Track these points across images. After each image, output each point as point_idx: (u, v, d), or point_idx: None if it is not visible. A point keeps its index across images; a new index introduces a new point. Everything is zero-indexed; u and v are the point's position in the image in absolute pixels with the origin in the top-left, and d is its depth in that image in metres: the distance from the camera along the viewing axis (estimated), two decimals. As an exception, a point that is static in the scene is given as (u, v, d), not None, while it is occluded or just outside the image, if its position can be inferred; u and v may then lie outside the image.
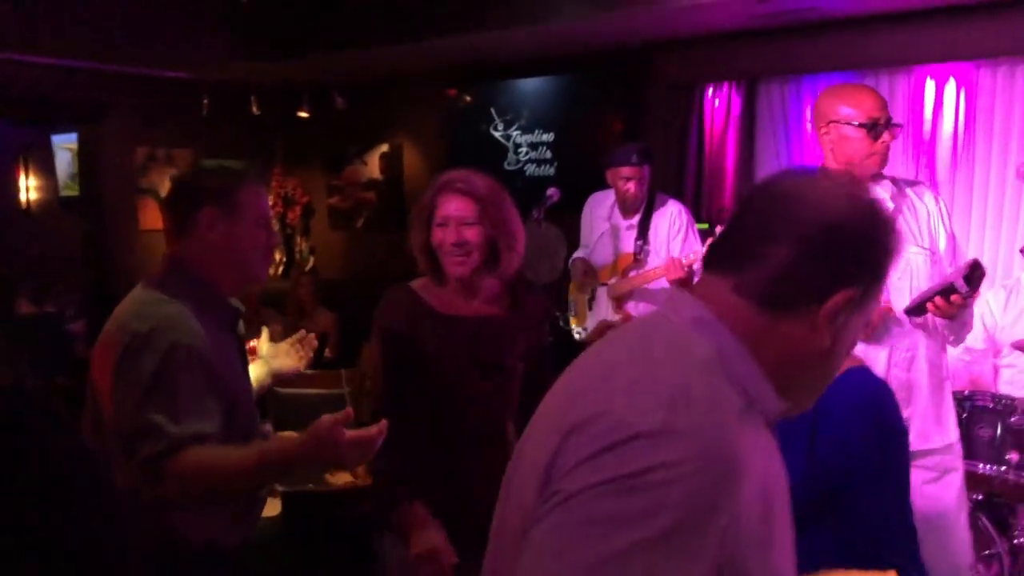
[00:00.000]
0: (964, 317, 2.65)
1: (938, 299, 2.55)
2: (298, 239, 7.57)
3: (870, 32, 4.76)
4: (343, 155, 7.33)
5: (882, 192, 2.72)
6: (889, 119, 2.65)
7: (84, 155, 6.77)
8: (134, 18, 5.40)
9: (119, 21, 5.35)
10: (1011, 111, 4.58)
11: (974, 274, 2.52)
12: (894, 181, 2.77)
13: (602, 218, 4.41)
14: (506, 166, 6.30)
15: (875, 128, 2.62)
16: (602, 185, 4.38)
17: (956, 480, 2.76)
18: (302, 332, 2.47)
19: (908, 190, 2.77)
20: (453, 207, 2.24)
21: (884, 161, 2.67)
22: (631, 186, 4.20)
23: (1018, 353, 3.50)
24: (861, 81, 4.98)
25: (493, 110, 6.33)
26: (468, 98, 6.52)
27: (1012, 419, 3.24)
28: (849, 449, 1.72)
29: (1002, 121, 4.60)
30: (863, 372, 1.85)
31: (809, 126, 5.10)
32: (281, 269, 7.40)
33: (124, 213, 6.59)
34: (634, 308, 4.20)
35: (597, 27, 5.10)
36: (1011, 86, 4.59)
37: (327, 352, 5.91)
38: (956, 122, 4.72)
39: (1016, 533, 3.38)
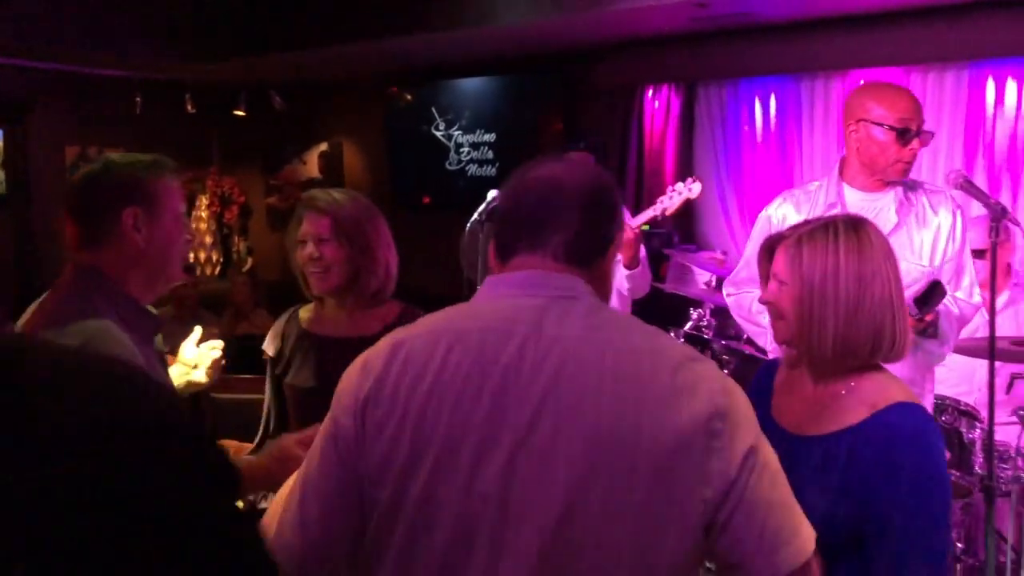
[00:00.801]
0: (942, 333, 2.58)
1: None
2: (235, 239, 7.44)
3: (805, 37, 4.84)
4: (282, 154, 7.22)
5: (886, 202, 2.63)
6: (921, 126, 2.56)
7: (10, 154, 6.55)
8: (64, 14, 5.24)
9: (48, 17, 5.18)
10: (940, 116, 4.70)
11: (930, 296, 2.51)
12: (910, 187, 2.64)
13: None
14: (448, 166, 6.27)
15: (906, 134, 2.53)
16: None
17: None
18: (211, 342, 2.31)
19: (924, 199, 2.65)
20: (310, 225, 2.26)
21: (908, 169, 2.58)
22: None
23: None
24: (798, 84, 5.09)
25: (434, 109, 6.30)
26: (409, 97, 6.47)
27: (943, 418, 3.32)
28: (873, 491, 1.55)
29: (932, 126, 4.71)
30: (907, 409, 1.62)
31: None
32: (218, 270, 7.27)
33: (53, 214, 6.40)
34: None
35: (538, 29, 5.10)
36: (940, 92, 4.71)
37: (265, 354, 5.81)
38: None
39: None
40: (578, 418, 1.15)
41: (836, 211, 2.69)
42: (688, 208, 5.49)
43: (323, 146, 6.99)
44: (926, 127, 2.59)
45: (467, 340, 1.22)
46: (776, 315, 1.70)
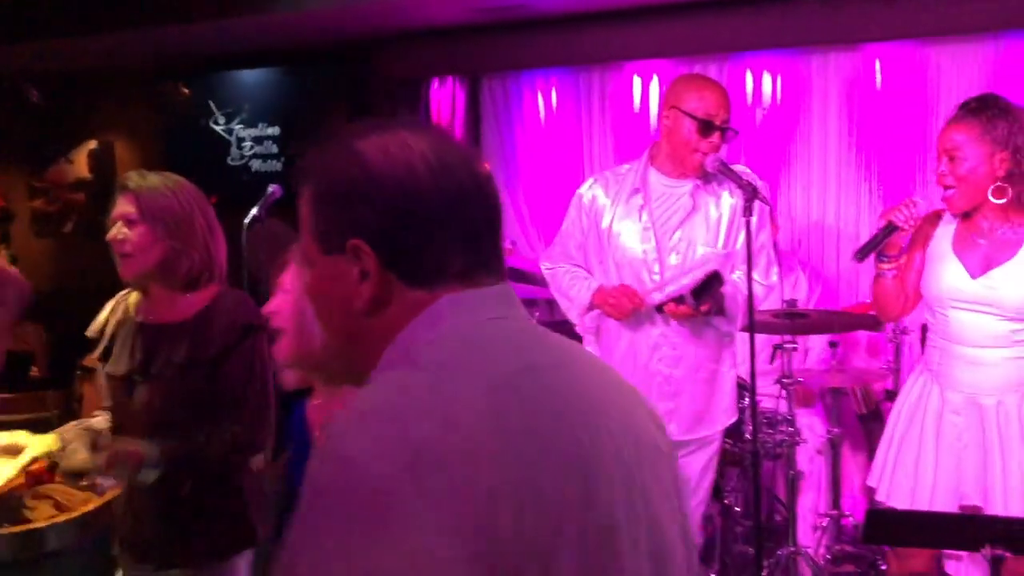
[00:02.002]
0: (728, 312, 2.76)
1: (670, 304, 2.69)
2: (-5, 247, 6.80)
3: (583, 30, 4.97)
4: (45, 154, 6.66)
5: (685, 188, 2.78)
6: (726, 122, 2.70)
7: None
8: None
9: None
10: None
11: (706, 286, 2.64)
12: (711, 174, 2.76)
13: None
14: (229, 161, 6.00)
15: (708, 127, 2.68)
16: None
17: (709, 451, 2.95)
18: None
19: (719, 186, 2.79)
20: (119, 206, 2.23)
21: (703, 161, 2.70)
22: None
23: None
24: (577, 77, 5.23)
25: (213, 103, 6.00)
26: (186, 91, 6.14)
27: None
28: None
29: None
30: None
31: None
32: (-24, 281, 6.61)
33: None
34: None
35: (318, 18, 4.96)
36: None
37: (34, 370, 5.36)
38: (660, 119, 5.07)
39: (725, 494, 3.68)
40: (639, 434, 1.02)
41: (639, 195, 2.81)
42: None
43: (92, 144, 6.51)
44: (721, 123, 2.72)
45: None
46: (280, 331, 1.71)
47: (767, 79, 4.86)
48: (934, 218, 2.63)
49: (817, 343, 4.17)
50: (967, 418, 2.52)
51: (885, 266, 2.61)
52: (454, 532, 0.82)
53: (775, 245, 4.32)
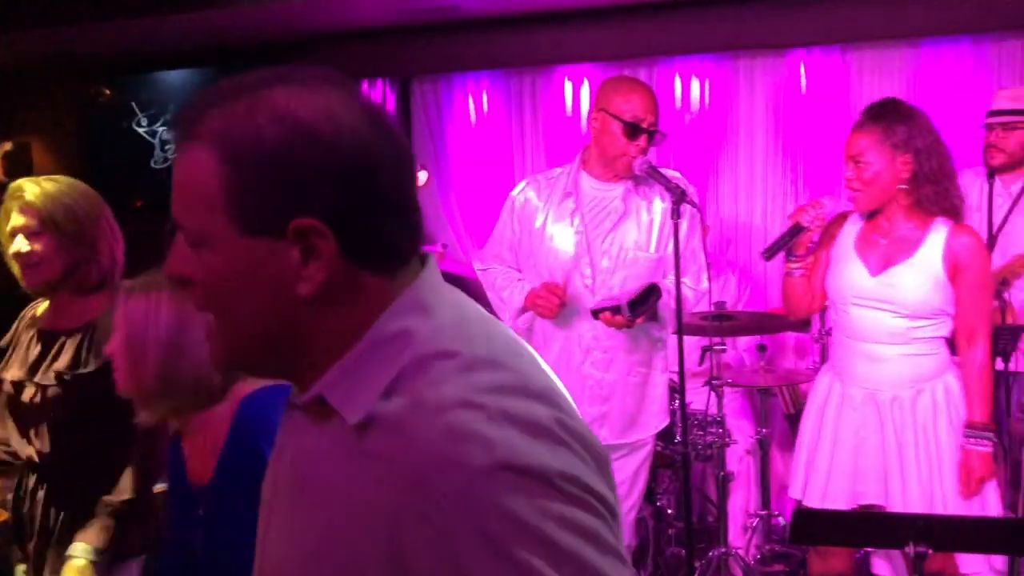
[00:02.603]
0: (661, 318, 2.79)
1: (606, 313, 2.69)
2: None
3: (514, 33, 4.96)
4: (-43, 155, 6.40)
5: (616, 192, 2.79)
6: (653, 125, 2.70)
7: None
8: None
9: None
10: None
11: (643, 300, 2.65)
12: (642, 178, 2.76)
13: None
14: (153, 164, 5.84)
15: (635, 130, 2.68)
16: None
17: (641, 454, 2.95)
18: None
19: (650, 190, 2.79)
20: (18, 218, 2.16)
21: (632, 164, 2.70)
22: None
23: None
24: (507, 80, 5.21)
25: (135, 105, 5.83)
26: (107, 92, 5.95)
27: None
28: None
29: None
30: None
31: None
32: None
33: None
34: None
35: (245, 17, 4.85)
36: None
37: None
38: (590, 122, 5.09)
39: (658, 496, 3.69)
40: None
41: (571, 198, 2.80)
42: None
43: (6, 146, 6.28)
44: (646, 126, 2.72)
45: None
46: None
47: (695, 84, 4.91)
48: (841, 219, 2.69)
49: (745, 344, 4.22)
50: (864, 413, 2.57)
51: (793, 265, 2.67)
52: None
53: (705, 248, 4.39)
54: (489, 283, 2.97)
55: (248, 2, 4.62)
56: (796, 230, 2.58)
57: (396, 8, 4.62)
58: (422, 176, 3.54)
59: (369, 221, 0.85)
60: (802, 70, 4.70)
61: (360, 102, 0.89)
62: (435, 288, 0.91)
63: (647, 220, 2.80)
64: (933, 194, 2.46)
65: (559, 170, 2.94)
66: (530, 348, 0.94)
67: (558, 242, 2.83)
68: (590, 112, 2.84)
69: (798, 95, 4.71)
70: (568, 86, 5.11)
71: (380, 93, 5.40)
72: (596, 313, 2.71)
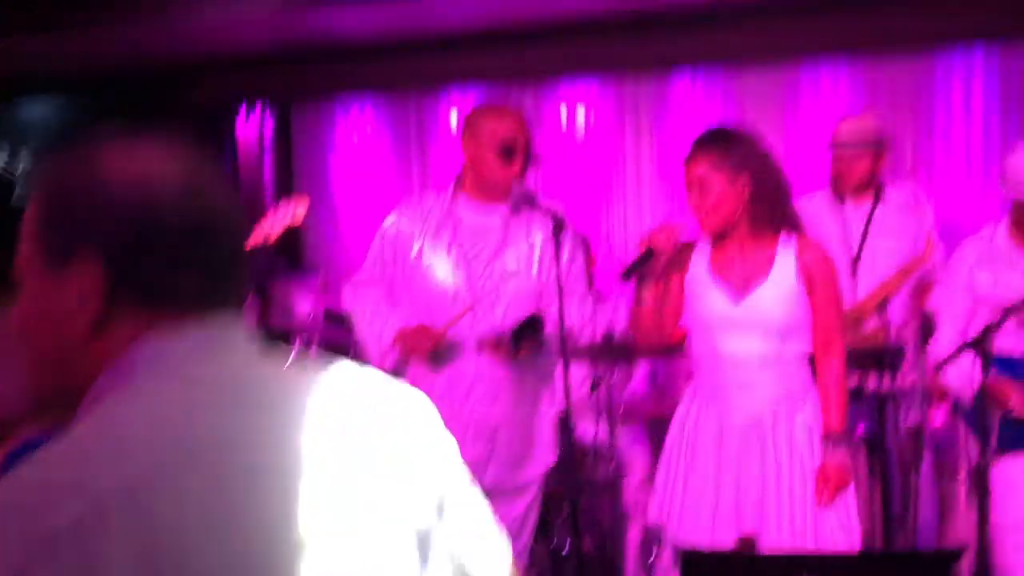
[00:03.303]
0: (547, 349, 2.70)
1: (488, 345, 2.56)
2: None
3: (398, 56, 4.84)
4: None
5: (496, 218, 2.68)
6: (527, 146, 2.63)
7: None
8: None
9: None
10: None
11: (525, 330, 2.53)
12: (522, 204, 2.67)
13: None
14: (14, 203, 5.46)
15: (509, 154, 2.60)
16: None
17: (530, 493, 2.82)
18: None
19: (529, 216, 2.70)
20: None
21: (510, 187, 2.62)
22: None
23: None
24: (391, 105, 5.08)
25: (-8, 136, 5.46)
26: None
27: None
28: None
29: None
30: None
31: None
32: None
33: None
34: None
35: (115, 42, 4.58)
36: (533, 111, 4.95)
37: None
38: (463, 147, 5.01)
39: (551, 533, 3.56)
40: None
41: (448, 226, 2.67)
42: (293, 233, 5.27)
43: None
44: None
45: None
46: None
47: (580, 109, 4.87)
48: (692, 244, 2.65)
49: (639, 373, 4.15)
50: (743, 441, 2.52)
51: (645, 291, 2.60)
52: None
53: (592, 276, 4.32)
54: (358, 320, 2.81)
55: (122, 23, 4.36)
56: (648, 255, 2.53)
57: (270, 28, 4.44)
58: (300, 211, 3.34)
59: (143, 261, 0.86)
60: (685, 94, 4.71)
61: (178, 160, 0.90)
62: (160, 354, 0.87)
63: (527, 248, 2.71)
64: (772, 210, 2.49)
65: (433, 196, 2.82)
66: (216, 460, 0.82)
67: (435, 272, 2.70)
68: (463, 138, 2.73)
69: (681, 119, 4.71)
70: (454, 111, 5.01)
71: (258, 119, 5.20)
72: (479, 345, 2.58)
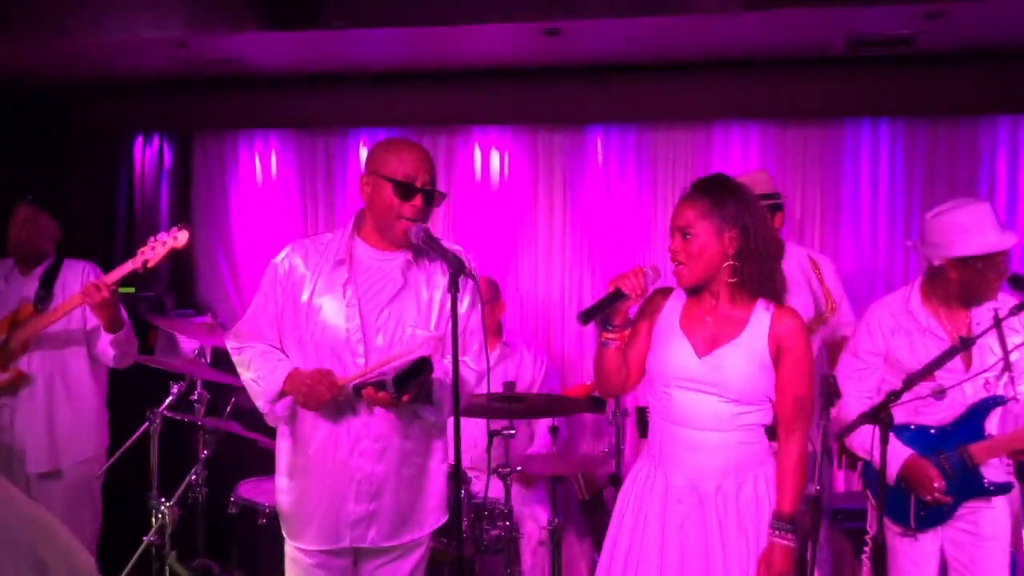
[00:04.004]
0: (437, 400, 2.49)
1: (368, 389, 2.38)
2: None
3: (307, 92, 4.68)
4: None
5: (396, 263, 2.51)
6: (428, 184, 2.48)
7: None
8: None
9: None
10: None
11: (413, 374, 2.37)
12: (423, 249, 2.50)
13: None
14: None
15: (409, 190, 2.45)
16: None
17: (416, 555, 2.64)
18: None
19: (431, 262, 2.54)
20: None
21: (409, 230, 2.46)
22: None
23: None
24: (298, 140, 4.91)
25: None
26: None
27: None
28: None
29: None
30: None
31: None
32: None
33: None
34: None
35: (10, 57, 4.30)
36: (432, 152, 4.81)
37: None
38: (362, 187, 4.88)
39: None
40: None
41: (344, 267, 2.49)
42: (187, 270, 5.02)
43: None
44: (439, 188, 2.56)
45: None
46: None
47: (495, 156, 4.79)
48: (664, 293, 2.56)
49: (540, 428, 4.02)
50: (689, 506, 2.42)
51: (609, 335, 2.48)
52: None
53: (501, 325, 4.19)
54: (243, 364, 2.58)
55: (18, 39, 4.10)
56: (616, 296, 2.41)
57: (168, 56, 4.24)
58: (181, 237, 3.14)
59: None
60: (599, 145, 4.68)
61: None
62: None
63: (427, 296, 2.54)
64: (757, 274, 2.39)
65: (329, 235, 2.64)
66: None
67: (327, 316, 2.50)
68: (361, 176, 2.57)
69: (595, 169, 4.67)
70: (363, 151, 4.87)
71: (157, 147, 4.97)
72: (357, 390, 2.39)
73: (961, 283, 2.82)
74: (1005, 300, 2.87)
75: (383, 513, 2.53)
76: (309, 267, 2.54)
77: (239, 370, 2.61)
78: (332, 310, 2.50)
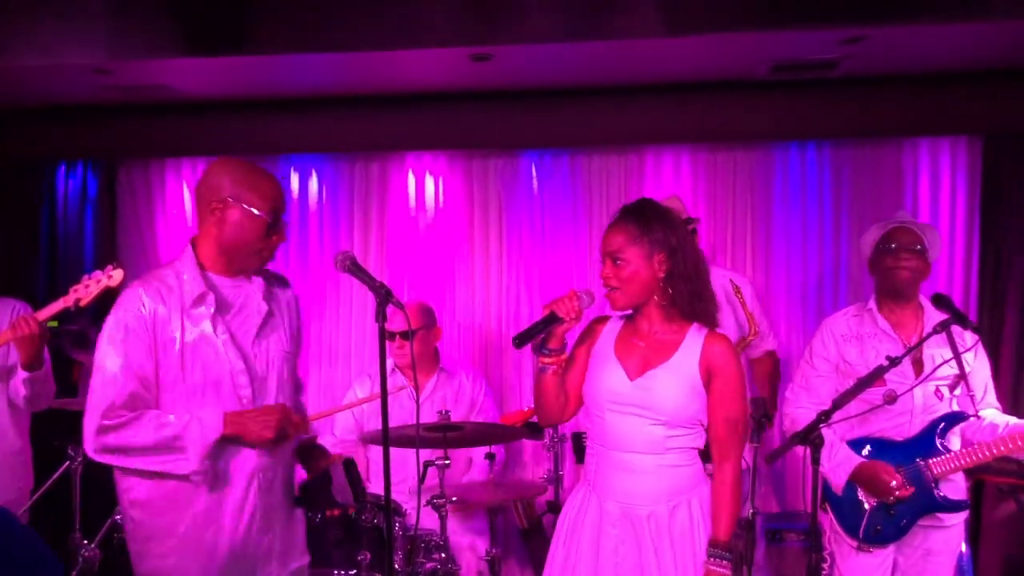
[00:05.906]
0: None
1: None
2: None
3: (234, 118, 4.60)
4: None
5: (255, 289, 2.45)
6: (282, 217, 2.44)
7: None
8: None
9: None
10: (349, 204, 4.78)
11: (319, 485, 2.34)
12: (271, 276, 2.53)
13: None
14: None
15: (274, 225, 2.39)
16: None
17: None
18: None
19: (275, 287, 2.53)
20: None
21: (266, 260, 2.44)
22: None
23: None
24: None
25: None
26: None
27: (364, 516, 3.16)
28: None
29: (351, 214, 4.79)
30: None
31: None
32: None
33: None
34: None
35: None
36: (365, 178, 4.78)
37: None
38: (320, 213, 4.81)
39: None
40: None
41: (206, 302, 2.36)
42: (112, 303, 4.86)
43: None
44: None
45: None
46: None
47: (429, 181, 4.75)
48: (603, 320, 2.58)
49: (478, 455, 3.97)
50: (622, 530, 2.41)
51: (546, 359, 2.47)
52: None
53: (437, 351, 4.14)
54: (139, 434, 2.29)
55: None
56: (551, 320, 2.40)
57: (90, 83, 4.13)
58: (116, 275, 3.02)
59: None
60: (533, 171, 4.68)
61: None
62: None
63: (287, 319, 2.53)
64: (688, 294, 2.42)
65: (169, 270, 2.42)
66: None
67: (202, 354, 2.35)
68: (211, 202, 2.38)
69: (530, 195, 4.67)
70: (295, 177, 4.80)
71: (81, 176, 4.82)
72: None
73: (878, 277, 3.19)
74: (938, 316, 3.04)
75: (275, 544, 2.45)
76: (169, 307, 2.33)
77: (129, 447, 2.30)
78: (206, 347, 2.34)
